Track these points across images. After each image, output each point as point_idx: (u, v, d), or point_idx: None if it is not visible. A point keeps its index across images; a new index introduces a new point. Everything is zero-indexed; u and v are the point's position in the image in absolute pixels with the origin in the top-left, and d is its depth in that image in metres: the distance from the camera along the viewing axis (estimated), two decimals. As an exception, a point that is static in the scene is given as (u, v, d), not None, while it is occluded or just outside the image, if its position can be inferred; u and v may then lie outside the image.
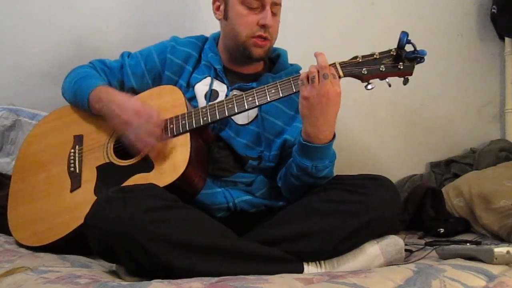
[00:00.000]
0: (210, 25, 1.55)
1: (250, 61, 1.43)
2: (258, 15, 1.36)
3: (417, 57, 1.20)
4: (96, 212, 1.08)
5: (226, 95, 1.41)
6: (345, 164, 1.55)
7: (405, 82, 1.23)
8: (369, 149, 2.13)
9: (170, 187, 1.20)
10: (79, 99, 1.41)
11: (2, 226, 1.36)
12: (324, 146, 1.20)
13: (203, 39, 1.54)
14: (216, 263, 1.06)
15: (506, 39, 2.21)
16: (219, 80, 1.44)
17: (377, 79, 1.23)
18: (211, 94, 1.42)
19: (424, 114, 2.18)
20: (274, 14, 1.38)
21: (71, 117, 1.45)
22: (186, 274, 1.00)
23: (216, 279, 0.95)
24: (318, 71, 1.16)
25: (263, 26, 1.35)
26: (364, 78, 1.23)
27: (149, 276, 1.02)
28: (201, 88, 1.43)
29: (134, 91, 1.48)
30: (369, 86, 1.23)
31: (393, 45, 1.22)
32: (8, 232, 1.33)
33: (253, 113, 1.40)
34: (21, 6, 1.78)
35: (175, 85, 1.43)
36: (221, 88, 1.43)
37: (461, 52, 2.22)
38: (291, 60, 1.54)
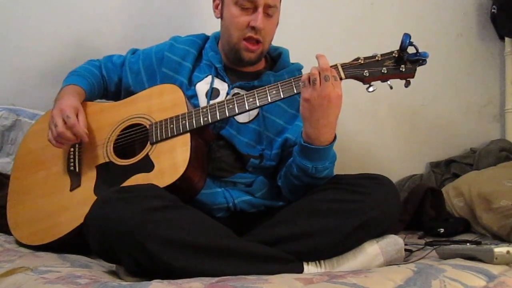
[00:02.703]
0: (211, 25, 1.55)
1: (242, 64, 1.43)
2: (250, 16, 1.35)
3: (419, 59, 1.20)
4: (96, 212, 1.08)
5: (227, 93, 1.42)
6: (345, 164, 1.55)
7: (407, 84, 1.23)
8: (369, 149, 2.13)
9: (170, 187, 1.20)
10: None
11: (2, 226, 1.36)
12: (325, 148, 1.21)
13: (204, 38, 1.54)
14: (216, 263, 1.06)
15: (506, 39, 2.21)
16: (220, 79, 1.45)
17: (379, 81, 1.23)
18: (212, 93, 1.42)
19: (424, 114, 2.18)
20: (269, 16, 1.37)
21: (71, 116, 1.45)
22: (186, 274, 1.00)
23: (216, 279, 0.95)
24: (320, 73, 1.16)
25: (254, 28, 1.35)
26: (366, 80, 1.22)
27: (149, 276, 1.02)
28: (202, 86, 1.43)
29: (130, 89, 1.50)
30: (371, 89, 1.22)
31: (393, 45, 1.22)
32: (8, 232, 1.33)
33: (254, 111, 1.40)
34: (21, 7, 1.78)
35: (172, 81, 1.44)
36: (222, 87, 1.43)
37: (461, 52, 2.22)
38: (291, 60, 1.54)
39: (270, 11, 1.36)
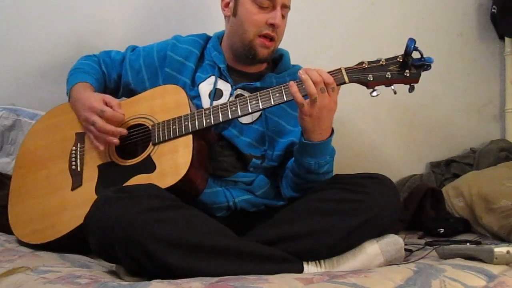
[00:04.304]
0: (212, 25, 1.55)
1: (254, 62, 1.43)
2: (268, 14, 1.36)
3: (423, 64, 1.20)
4: (96, 212, 1.08)
5: (231, 94, 1.42)
6: (346, 164, 1.55)
7: (411, 89, 1.22)
8: (369, 149, 2.13)
9: (172, 188, 1.20)
10: (66, 91, 1.46)
11: (2, 226, 1.36)
12: (325, 141, 1.24)
13: (206, 38, 1.54)
14: (216, 263, 1.06)
15: (506, 39, 2.21)
16: (223, 79, 1.45)
17: (383, 86, 1.22)
18: (215, 93, 1.42)
19: (424, 114, 2.18)
20: (282, 16, 1.38)
21: (73, 114, 1.42)
22: (186, 274, 1.00)
23: (216, 279, 0.95)
24: (316, 87, 1.17)
25: (272, 25, 1.36)
26: (370, 85, 1.22)
27: (149, 276, 1.02)
28: (205, 87, 1.43)
29: (130, 87, 1.50)
30: (374, 93, 1.22)
31: (393, 45, 1.22)
32: (8, 232, 1.33)
33: (257, 112, 1.40)
34: (21, 7, 1.78)
35: (176, 81, 1.44)
36: (225, 87, 1.43)
37: (461, 52, 2.22)
38: (292, 60, 1.55)
39: (284, 12, 1.39)
